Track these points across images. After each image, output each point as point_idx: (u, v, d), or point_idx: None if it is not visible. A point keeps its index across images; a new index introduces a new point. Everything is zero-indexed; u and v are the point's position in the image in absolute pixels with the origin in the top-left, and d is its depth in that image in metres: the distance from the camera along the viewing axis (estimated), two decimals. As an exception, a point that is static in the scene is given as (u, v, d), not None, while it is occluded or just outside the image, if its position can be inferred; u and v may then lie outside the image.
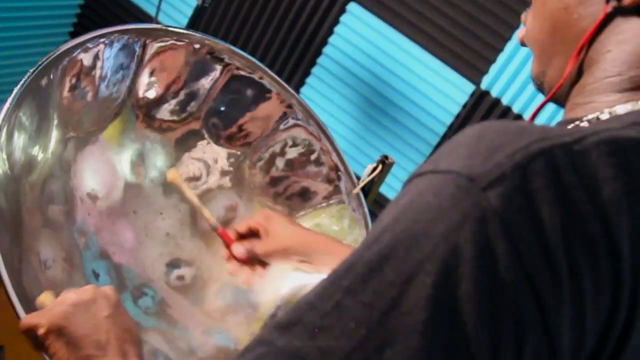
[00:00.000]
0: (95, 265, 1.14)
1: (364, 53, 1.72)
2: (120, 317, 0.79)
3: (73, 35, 2.02)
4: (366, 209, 1.29)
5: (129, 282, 1.17)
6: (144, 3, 1.91)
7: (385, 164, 1.29)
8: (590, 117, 0.61)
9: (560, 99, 0.68)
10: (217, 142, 1.29)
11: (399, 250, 0.45)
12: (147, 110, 1.21)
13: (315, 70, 1.78)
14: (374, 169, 1.29)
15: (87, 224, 1.15)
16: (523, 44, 0.73)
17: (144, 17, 1.91)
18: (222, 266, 1.30)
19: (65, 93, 1.03)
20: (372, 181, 1.29)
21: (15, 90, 0.88)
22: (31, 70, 0.91)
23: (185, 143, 1.27)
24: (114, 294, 0.81)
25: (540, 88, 0.70)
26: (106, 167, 1.17)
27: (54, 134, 1.02)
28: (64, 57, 0.97)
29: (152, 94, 1.20)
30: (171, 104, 1.24)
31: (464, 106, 1.67)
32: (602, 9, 0.62)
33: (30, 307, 0.82)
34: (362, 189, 1.29)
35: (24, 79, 0.90)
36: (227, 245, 1.15)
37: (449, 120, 1.70)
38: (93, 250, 1.15)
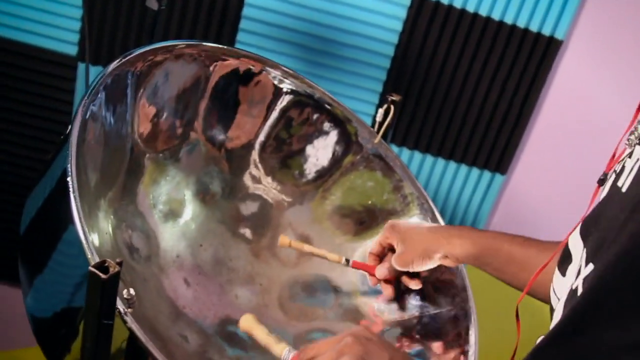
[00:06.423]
0: (178, 328, 1.02)
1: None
2: (395, 350, 0.81)
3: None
4: (394, 152, 1.25)
5: (212, 330, 1.07)
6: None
7: (395, 103, 1.24)
8: None
9: None
10: (222, 149, 1.19)
11: None
12: (147, 145, 1.07)
13: (242, 24, 1.66)
14: (386, 112, 1.24)
15: (146, 291, 1.02)
16: None
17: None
18: (275, 267, 1.23)
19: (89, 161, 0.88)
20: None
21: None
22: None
23: (195, 162, 1.15)
24: (370, 332, 0.81)
25: None
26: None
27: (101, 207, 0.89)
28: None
29: (149, 126, 1.06)
30: (165, 129, 1.11)
31: (406, 20, 1.64)
32: None
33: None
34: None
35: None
36: (371, 273, 1.12)
37: (394, 39, 1.66)
38: (166, 313, 1.03)
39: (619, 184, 0.74)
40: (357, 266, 1.13)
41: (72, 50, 1.70)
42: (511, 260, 1.03)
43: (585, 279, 0.71)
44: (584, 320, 0.66)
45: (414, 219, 1.22)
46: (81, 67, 1.73)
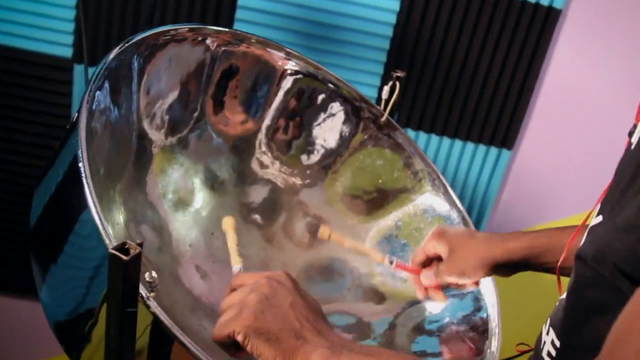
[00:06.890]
0: (196, 317, 1.00)
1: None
2: (302, 299, 0.78)
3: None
4: (402, 129, 1.23)
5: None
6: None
7: (400, 79, 1.22)
8: None
9: None
10: (229, 134, 1.17)
11: None
12: (154, 133, 1.05)
13: (238, 14, 1.64)
14: (392, 89, 1.23)
15: (161, 281, 1.00)
16: None
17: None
18: (289, 252, 1.22)
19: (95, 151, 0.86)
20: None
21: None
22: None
23: (203, 148, 1.13)
24: (287, 279, 0.79)
25: None
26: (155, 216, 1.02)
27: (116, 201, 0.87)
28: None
29: (155, 113, 1.04)
30: (172, 115, 1.09)
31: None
32: None
33: None
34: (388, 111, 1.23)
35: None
36: (415, 274, 1.07)
37: (392, 19, 1.64)
38: (182, 303, 1.02)
39: (633, 139, 0.73)
40: (401, 267, 1.09)
41: (67, 53, 1.68)
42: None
43: (591, 229, 0.69)
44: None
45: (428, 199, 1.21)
46: (77, 69, 1.71)
